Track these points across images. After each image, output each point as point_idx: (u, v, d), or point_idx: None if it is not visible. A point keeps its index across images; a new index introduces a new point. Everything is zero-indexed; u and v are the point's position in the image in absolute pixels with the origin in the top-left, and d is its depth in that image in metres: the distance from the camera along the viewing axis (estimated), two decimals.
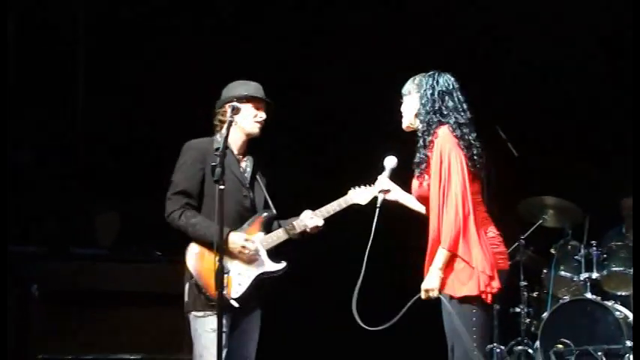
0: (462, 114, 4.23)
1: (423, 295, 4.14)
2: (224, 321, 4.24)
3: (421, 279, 4.19)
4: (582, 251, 6.92)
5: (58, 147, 7.49)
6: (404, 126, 4.40)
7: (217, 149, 4.43)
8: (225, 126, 4.34)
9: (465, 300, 4.07)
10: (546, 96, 7.71)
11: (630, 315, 6.58)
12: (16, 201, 5.93)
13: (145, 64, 7.52)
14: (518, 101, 7.18)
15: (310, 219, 4.61)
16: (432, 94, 4.25)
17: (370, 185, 4.62)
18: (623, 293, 6.85)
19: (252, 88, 4.68)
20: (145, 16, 7.55)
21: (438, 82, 4.28)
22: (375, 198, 4.50)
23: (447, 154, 4.12)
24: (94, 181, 7.39)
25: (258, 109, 4.64)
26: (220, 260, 4.06)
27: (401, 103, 4.41)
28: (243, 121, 4.59)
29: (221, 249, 4.07)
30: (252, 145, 4.70)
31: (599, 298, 6.70)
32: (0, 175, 5.01)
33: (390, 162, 4.48)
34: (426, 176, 4.19)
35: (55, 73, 7.41)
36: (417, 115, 4.29)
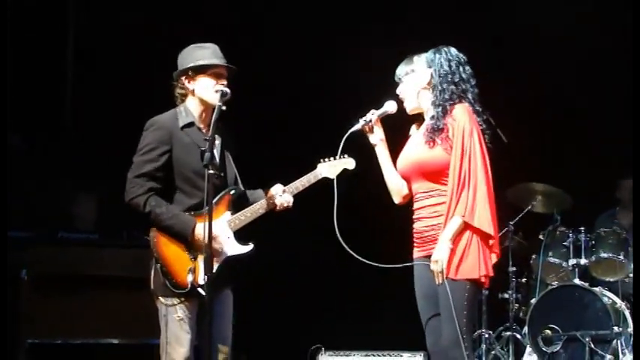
0: (474, 88, 4.22)
1: (432, 266, 4.07)
2: (190, 308, 4.21)
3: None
4: (571, 237, 6.94)
5: (47, 131, 7.48)
6: (409, 109, 4.33)
7: (183, 126, 4.28)
8: (215, 112, 4.13)
9: (461, 281, 4.02)
10: (534, 81, 7.73)
11: (618, 301, 6.62)
12: (6, 186, 5.91)
13: (134, 50, 7.50)
14: (505, 86, 7.16)
15: (281, 195, 4.37)
16: (450, 66, 4.20)
17: (338, 157, 4.45)
18: (611, 279, 6.89)
19: (207, 53, 4.32)
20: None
21: (450, 54, 4.24)
22: (345, 170, 4.44)
23: (470, 129, 4.08)
24: (83, 165, 7.39)
25: (218, 77, 4.30)
26: (209, 246, 3.99)
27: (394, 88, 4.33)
28: (203, 92, 4.29)
29: (210, 237, 3.99)
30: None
31: (587, 284, 6.73)
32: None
33: (390, 105, 4.36)
34: (439, 141, 4.12)
35: (45, 57, 7.39)
36: (433, 88, 4.21)
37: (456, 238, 4.05)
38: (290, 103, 7.89)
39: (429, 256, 4.12)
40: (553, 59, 7.74)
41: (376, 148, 4.39)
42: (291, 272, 7.68)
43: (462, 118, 4.11)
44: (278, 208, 4.39)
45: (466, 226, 4.05)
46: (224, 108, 4.19)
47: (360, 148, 4.43)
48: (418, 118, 4.37)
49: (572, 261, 6.89)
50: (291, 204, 4.40)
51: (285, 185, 4.42)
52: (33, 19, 7.33)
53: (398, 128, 4.47)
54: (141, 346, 6.10)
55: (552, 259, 7.05)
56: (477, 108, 4.20)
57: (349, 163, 4.52)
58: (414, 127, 4.42)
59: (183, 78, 4.35)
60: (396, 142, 4.43)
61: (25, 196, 6.96)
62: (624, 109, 6.20)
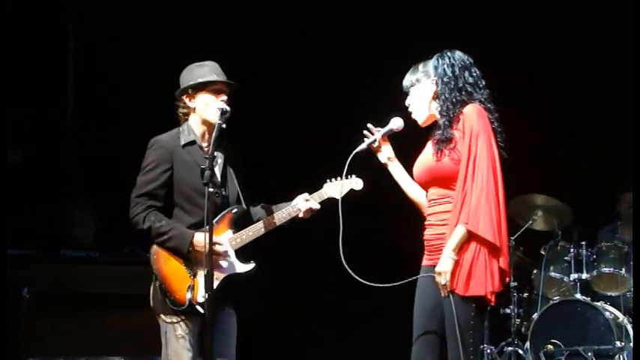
0: (483, 90, 4.11)
1: (436, 277, 3.96)
2: (191, 326, 4.22)
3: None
4: (572, 252, 6.94)
5: (47, 148, 7.48)
6: (420, 121, 4.21)
7: (185, 145, 4.32)
8: (215, 130, 4.18)
9: (469, 298, 3.91)
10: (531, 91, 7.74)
11: (620, 316, 6.61)
12: (6, 203, 5.92)
13: (135, 65, 7.51)
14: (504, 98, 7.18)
15: (305, 202, 4.41)
16: (453, 72, 4.09)
17: (345, 177, 4.39)
18: (613, 294, 6.89)
19: (206, 70, 4.35)
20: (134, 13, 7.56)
21: (454, 58, 4.12)
22: (351, 191, 4.40)
23: (477, 132, 3.96)
24: (84, 183, 7.40)
25: (217, 93, 4.33)
26: (209, 262, 4.01)
27: (403, 100, 4.24)
28: (203, 109, 4.33)
29: (210, 251, 4.01)
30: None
31: (588, 298, 6.72)
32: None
33: (396, 122, 4.27)
34: (447, 152, 4.01)
35: (44, 75, 7.40)
36: (438, 97, 4.11)
37: (462, 250, 3.93)
38: (297, 120, 7.89)
39: (435, 266, 4.01)
40: (553, 69, 7.75)
41: (388, 168, 4.32)
42: (291, 289, 7.66)
43: (471, 119, 4.00)
44: (303, 214, 4.42)
45: (472, 236, 3.92)
46: (224, 126, 4.22)
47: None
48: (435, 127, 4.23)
49: (574, 276, 6.89)
50: (315, 208, 4.43)
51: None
52: (32, 24, 7.34)
53: (413, 137, 4.37)
54: None
55: (554, 274, 7.05)
56: (489, 106, 4.09)
57: (357, 183, 4.48)
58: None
59: (184, 97, 4.40)
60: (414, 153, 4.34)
61: (26, 214, 6.97)
62: (626, 121, 6.19)
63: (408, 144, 4.34)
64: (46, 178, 7.40)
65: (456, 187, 4.01)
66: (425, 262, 4.17)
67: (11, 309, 5.92)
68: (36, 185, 7.26)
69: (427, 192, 4.21)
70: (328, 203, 4.44)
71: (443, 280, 3.94)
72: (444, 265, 3.94)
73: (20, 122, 7.09)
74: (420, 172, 4.20)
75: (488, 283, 3.91)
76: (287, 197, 4.51)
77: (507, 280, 4.08)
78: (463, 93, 4.09)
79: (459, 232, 3.92)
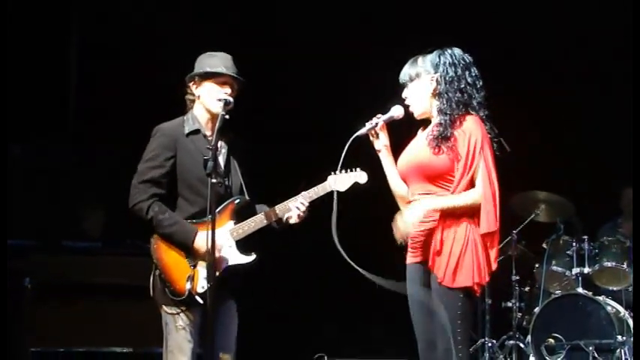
0: (480, 92, 4.12)
1: (398, 222, 4.00)
2: (192, 317, 4.22)
3: None
4: (574, 246, 6.94)
5: (50, 139, 7.48)
6: (417, 114, 4.22)
7: (189, 133, 4.33)
8: (218, 121, 4.17)
9: (456, 289, 3.95)
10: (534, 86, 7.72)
11: (622, 310, 6.61)
12: (8, 194, 5.93)
13: (139, 57, 7.51)
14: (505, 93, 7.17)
15: (296, 204, 4.35)
16: (456, 72, 4.09)
17: (349, 170, 4.36)
18: (615, 288, 6.88)
19: (215, 61, 4.38)
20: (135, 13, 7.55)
21: (455, 57, 4.12)
22: (356, 184, 4.39)
23: (482, 143, 4.01)
24: (86, 173, 7.39)
25: (222, 85, 4.34)
26: (212, 253, 4.01)
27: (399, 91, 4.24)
28: (206, 98, 4.35)
29: (213, 244, 4.01)
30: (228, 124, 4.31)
31: (590, 292, 6.72)
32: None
33: (397, 110, 4.24)
34: (445, 149, 4.02)
35: (46, 63, 7.38)
36: (439, 95, 4.11)
37: (452, 243, 3.97)
38: (301, 114, 7.88)
39: (422, 262, 4.06)
40: (556, 66, 7.74)
41: (380, 155, 4.29)
42: (292, 281, 7.66)
43: (477, 130, 4.03)
44: (291, 220, 4.39)
45: (463, 230, 3.98)
46: (227, 117, 4.22)
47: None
48: (425, 122, 4.26)
49: (576, 270, 6.88)
50: (303, 211, 4.37)
51: (294, 195, 4.41)
52: (34, 21, 7.33)
53: (404, 131, 4.38)
54: (144, 355, 6.11)
55: (556, 268, 7.03)
56: (483, 115, 4.11)
57: (361, 176, 4.45)
58: (420, 130, 4.31)
59: (191, 84, 4.42)
60: (401, 145, 4.34)
61: (28, 205, 6.96)
62: (628, 117, 6.19)
63: (398, 137, 4.36)
64: (48, 168, 7.38)
65: (444, 184, 4.05)
66: (410, 259, 4.17)
67: (13, 299, 5.93)
68: (38, 175, 7.25)
69: (409, 186, 4.21)
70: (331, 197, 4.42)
71: (403, 227, 3.98)
72: (415, 214, 3.97)
73: (21, 120, 7.08)
74: (409, 165, 4.18)
75: (475, 274, 3.96)
76: (293, 190, 4.47)
77: (492, 270, 4.08)
78: (464, 95, 4.10)
79: (453, 202, 3.98)
